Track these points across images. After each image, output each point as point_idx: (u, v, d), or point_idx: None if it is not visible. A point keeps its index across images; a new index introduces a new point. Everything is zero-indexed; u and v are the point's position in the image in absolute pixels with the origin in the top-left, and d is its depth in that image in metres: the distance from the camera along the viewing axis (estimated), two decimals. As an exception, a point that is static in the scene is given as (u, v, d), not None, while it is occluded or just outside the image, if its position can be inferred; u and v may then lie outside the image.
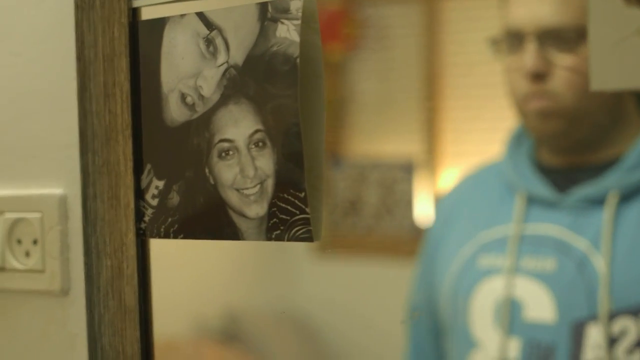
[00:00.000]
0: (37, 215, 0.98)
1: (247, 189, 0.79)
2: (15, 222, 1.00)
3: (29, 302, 1.01)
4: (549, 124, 1.35)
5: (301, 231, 0.77)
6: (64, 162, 0.97)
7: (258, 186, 0.78)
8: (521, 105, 1.36)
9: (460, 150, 3.87)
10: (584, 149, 1.38)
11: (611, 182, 1.32)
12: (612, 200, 1.31)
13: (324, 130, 0.78)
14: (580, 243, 1.32)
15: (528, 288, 1.35)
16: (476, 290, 1.40)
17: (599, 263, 1.30)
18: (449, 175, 3.86)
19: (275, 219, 0.78)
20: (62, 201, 0.97)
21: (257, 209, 0.79)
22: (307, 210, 0.76)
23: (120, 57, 0.86)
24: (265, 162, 0.78)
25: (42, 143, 0.97)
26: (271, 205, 0.78)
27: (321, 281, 4.24)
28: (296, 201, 0.77)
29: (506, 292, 1.35)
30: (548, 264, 1.34)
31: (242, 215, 0.80)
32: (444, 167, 3.88)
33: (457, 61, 3.86)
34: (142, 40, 0.85)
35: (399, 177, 3.93)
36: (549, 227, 1.35)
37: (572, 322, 1.30)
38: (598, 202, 1.33)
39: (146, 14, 0.86)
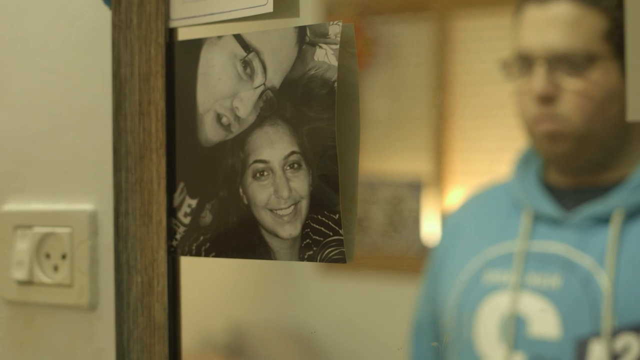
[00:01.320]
0: (66, 230, 0.99)
1: (280, 209, 0.80)
2: (45, 237, 1.01)
3: (56, 316, 1.02)
4: (557, 146, 1.37)
5: (334, 252, 0.78)
6: (96, 178, 0.98)
7: (292, 207, 0.79)
8: (530, 127, 1.39)
9: (468, 169, 3.88)
10: (591, 170, 1.40)
11: (616, 201, 1.35)
12: (617, 219, 1.34)
13: (359, 153, 0.79)
14: (585, 261, 1.34)
15: (533, 304, 1.37)
16: (482, 306, 1.42)
17: (603, 280, 1.32)
18: (457, 194, 3.87)
19: (308, 240, 0.79)
20: (93, 217, 0.98)
21: (291, 230, 0.79)
22: (341, 232, 0.77)
23: (157, 76, 0.87)
24: (300, 184, 0.78)
25: (74, 159, 0.98)
26: (304, 226, 0.78)
27: (327, 297, 4.24)
28: (330, 223, 0.77)
29: (511, 307, 1.37)
30: (553, 280, 1.36)
31: (275, 235, 0.81)
32: (452, 186, 3.89)
33: (468, 81, 3.88)
34: (179, 61, 0.87)
35: (407, 195, 3.94)
36: (554, 244, 1.38)
37: (576, 339, 1.32)
38: (603, 220, 1.35)
39: (183, 35, 0.87)
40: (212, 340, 3.77)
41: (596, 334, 1.31)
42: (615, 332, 1.30)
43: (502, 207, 1.49)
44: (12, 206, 1.03)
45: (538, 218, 1.41)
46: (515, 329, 1.37)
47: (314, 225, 0.78)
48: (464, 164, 3.88)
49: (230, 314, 3.85)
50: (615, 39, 1.32)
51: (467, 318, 1.43)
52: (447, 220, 1.62)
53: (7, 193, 1.03)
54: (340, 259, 0.77)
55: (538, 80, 1.34)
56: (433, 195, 3.92)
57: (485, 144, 3.81)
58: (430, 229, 3.88)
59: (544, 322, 1.36)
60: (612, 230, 1.34)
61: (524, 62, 1.38)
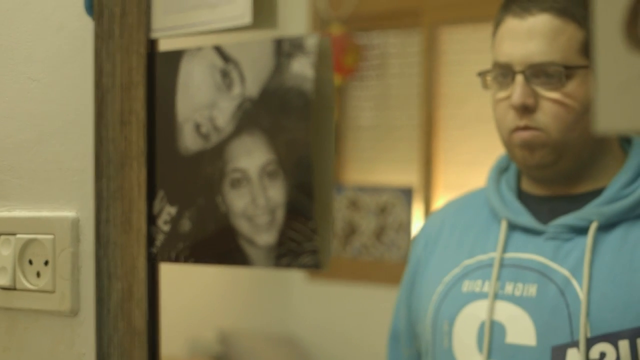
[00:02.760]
0: (49, 236, 1.01)
1: (257, 217, 0.82)
2: (27, 243, 1.02)
3: (38, 322, 1.03)
4: (533, 156, 1.39)
5: (308, 259, 0.79)
6: (78, 186, 0.99)
7: (268, 215, 0.81)
8: (508, 136, 1.40)
9: (454, 180, 3.90)
10: (567, 181, 1.42)
11: (591, 214, 1.37)
12: (591, 231, 1.35)
13: (333, 162, 0.81)
14: (560, 271, 1.36)
15: (510, 314, 1.39)
16: (460, 315, 1.43)
17: (578, 291, 1.34)
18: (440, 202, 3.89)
19: (284, 247, 0.80)
20: (75, 224, 1.00)
21: (267, 237, 0.81)
22: (316, 239, 0.78)
23: (138, 86, 0.88)
24: (277, 192, 0.80)
25: (57, 167, 1.00)
26: (281, 233, 0.80)
27: (314, 304, 4.25)
28: (305, 230, 0.79)
29: (488, 317, 1.39)
30: (530, 290, 1.38)
31: (252, 242, 0.82)
32: (439, 195, 3.91)
33: (453, 93, 3.91)
34: (159, 71, 0.88)
35: (395, 203, 3.96)
36: (531, 255, 1.40)
37: (552, 347, 1.33)
38: (578, 232, 1.37)
39: (164, 46, 0.89)
40: (197, 346, 3.78)
41: (572, 343, 1.33)
42: (591, 342, 1.31)
43: (480, 215, 1.50)
44: (-5, 213, 1.05)
45: (514, 229, 1.43)
46: (492, 338, 1.39)
47: (290, 232, 0.80)
48: (449, 174, 3.90)
49: (215, 321, 3.86)
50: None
51: (447, 328, 1.44)
52: (423, 228, 1.63)
53: (-10, 200, 1.05)
54: (315, 265, 0.79)
55: (516, 90, 1.36)
56: (421, 204, 3.93)
57: (471, 156, 3.83)
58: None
59: (521, 331, 1.37)
60: (586, 243, 1.36)
61: (503, 72, 1.39)
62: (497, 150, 1.57)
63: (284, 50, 0.79)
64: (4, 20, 1.02)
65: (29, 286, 1.02)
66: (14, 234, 1.03)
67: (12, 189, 1.03)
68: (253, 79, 0.81)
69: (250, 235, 0.82)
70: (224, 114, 0.83)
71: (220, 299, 3.96)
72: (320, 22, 4.08)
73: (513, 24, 1.38)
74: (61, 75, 0.98)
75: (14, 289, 1.03)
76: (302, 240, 0.79)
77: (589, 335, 1.31)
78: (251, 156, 0.82)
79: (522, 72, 1.36)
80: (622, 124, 0.59)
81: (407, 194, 3.93)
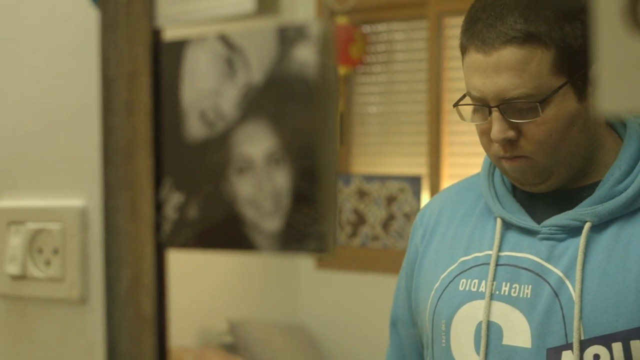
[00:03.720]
0: (58, 225, 1.02)
1: (263, 203, 0.83)
2: (37, 232, 1.03)
3: (48, 310, 1.04)
4: (526, 177, 1.39)
5: (314, 244, 0.80)
6: (85, 175, 1.00)
7: (274, 201, 0.82)
8: (497, 162, 1.40)
9: (460, 168, 3.90)
10: (559, 184, 1.42)
11: (584, 214, 1.36)
12: (584, 232, 1.35)
13: (337, 148, 0.81)
14: (554, 272, 1.36)
15: (506, 315, 1.39)
16: (458, 315, 1.44)
17: (572, 292, 1.33)
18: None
19: (289, 233, 0.81)
20: (83, 213, 1.01)
21: (273, 223, 0.82)
22: (321, 224, 0.79)
23: (144, 75, 0.89)
24: (282, 179, 0.81)
25: (64, 156, 1.01)
26: (286, 219, 0.81)
27: (323, 294, 4.26)
28: (310, 216, 0.80)
29: (484, 318, 1.39)
30: (525, 291, 1.38)
31: (258, 228, 0.83)
32: (446, 183, 3.91)
33: (458, 81, 3.91)
34: (165, 60, 0.89)
35: (403, 192, 3.96)
36: (526, 254, 1.40)
37: (547, 350, 1.34)
38: (572, 232, 1.37)
39: (169, 35, 0.89)
40: (207, 336, 3.80)
41: (567, 345, 1.33)
42: (585, 344, 1.31)
43: (476, 210, 1.50)
44: (5, 203, 1.06)
45: (509, 227, 1.43)
46: (489, 339, 1.39)
47: (295, 218, 0.81)
48: (455, 166, 3.90)
49: (225, 311, 3.88)
50: (564, 64, 1.31)
51: (444, 327, 1.45)
52: (421, 216, 1.63)
53: (0, 190, 1.06)
54: (321, 250, 0.80)
55: (495, 126, 1.34)
56: (428, 193, 3.94)
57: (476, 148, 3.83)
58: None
59: (517, 332, 1.37)
60: (579, 243, 1.35)
61: (479, 104, 1.38)
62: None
63: (288, 37, 0.80)
64: (10, 12, 1.03)
65: (38, 274, 1.03)
66: (23, 223, 1.04)
67: (21, 178, 1.04)
68: (258, 66, 0.82)
69: (256, 221, 0.83)
70: (229, 101, 0.84)
71: (230, 290, 3.97)
72: (326, 13, 4.09)
73: (478, 59, 1.34)
74: (67, 66, 0.99)
75: (24, 277, 1.05)
76: (307, 225, 0.80)
77: (582, 337, 1.31)
78: (256, 143, 0.83)
79: (497, 107, 1.34)
80: (623, 106, 0.60)
81: (415, 183, 3.94)
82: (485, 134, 1.38)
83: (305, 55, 0.78)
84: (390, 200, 4.00)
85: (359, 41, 3.97)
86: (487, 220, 1.47)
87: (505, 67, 1.31)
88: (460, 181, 1.63)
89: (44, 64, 0.99)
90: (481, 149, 4.21)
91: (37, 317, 1.03)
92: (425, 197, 3.95)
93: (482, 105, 1.36)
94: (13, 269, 1.04)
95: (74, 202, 0.99)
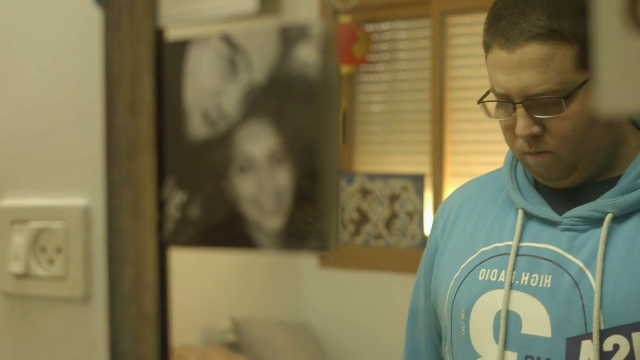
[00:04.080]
0: (61, 224, 1.02)
1: (265, 202, 0.83)
2: (40, 231, 1.04)
3: (51, 308, 1.05)
4: (550, 172, 1.41)
5: (315, 242, 0.81)
6: (88, 174, 1.01)
7: (276, 200, 0.82)
8: (521, 158, 1.42)
9: (463, 166, 3.90)
10: (583, 179, 1.42)
11: (606, 205, 1.37)
12: (605, 222, 1.36)
13: (339, 147, 0.82)
14: (575, 262, 1.37)
15: (525, 304, 1.40)
16: (477, 305, 1.45)
17: (592, 282, 1.35)
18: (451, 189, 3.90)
19: (291, 231, 0.82)
20: (86, 212, 1.01)
21: (274, 222, 0.83)
22: (322, 222, 0.80)
23: (146, 75, 0.90)
24: (283, 178, 0.82)
25: (67, 156, 1.01)
26: (287, 218, 0.82)
27: (326, 292, 4.27)
28: (311, 214, 0.81)
29: (504, 307, 1.40)
30: (545, 281, 1.39)
31: (260, 227, 0.84)
32: (449, 183, 3.92)
33: (462, 79, 3.91)
34: (168, 60, 0.90)
35: (406, 190, 3.97)
36: (546, 245, 1.41)
37: (567, 339, 1.34)
38: (593, 223, 1.38)
39: (172, 35, 0.90)
40: (211, 335, 3.80)
41: (586, 335, 1.34)
42: (604, 334, 1.32)
43: (497, 201, 1.52)
44: (9, 202, 1.07)
45: (530, 218, 1.44)
46: (508, 328, 1.40)
47: (297, 217, 0.81)
48: (458, 165, 3.91)
49: (228, 310, 3.88)
50: (588, 59, 1.33)
51: (464, 316, 1.46)
52: (442, 209, 1.64)
53: (4, 189, 1.07)
54: (322, 248, 0.80)
55: (519, 122, 1.36)
56: (431, 192, 3.94)
57: (480, 146, 3.83)
58: (427, 225, 3.91)
59: (536, 322, 1.38)
60: (600, 233, 1.37)
61: (503, 101, 1.39)
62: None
63: (290, 37, 0.81)
64: (14, 13, 1.04)
65: (42, 273, 1.04)
66: (27, 222, 1.05)
67: (24, 178, 1.05)
68: (260, 66, 0.83)
69: (258, 219, 0.84)
70: (232, 101, 0.85)
71: (233, 288, 3.98)
72: (329, 12, 4.09)
73: (501, 56, 1.36)
74: (70, 66, 1.00)
75: (28, 276, 1.05)
76: (308, 224, 0.80)
77: (602, 327, 1.33)
78: (258, 142, 0.83)
79: (522, 103, 1.35)
80: (622, 105, 0.60)
81: (418, 181, 3.94)
82: (509, 130, 1.40)
83: (307, 54, 0.79)
84: (393, 198, 4.01)
85: (362, 40, 3.97)
86: (508, 212, 1.48)
87: (529, 64, 1.33)
88: (482, 175, 1.64)
89: (47, 64, 1.00)
90: (484, 148, 4.21)
91: (40, 315, 1.03)
92: (428, 196, 3.96)
93: (507, 102, 1.37)
94: (16, 267, 1.05)
95: (77, 201, 0.99)
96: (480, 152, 3.82)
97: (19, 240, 1.05)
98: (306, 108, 0.80)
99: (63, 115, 1.00)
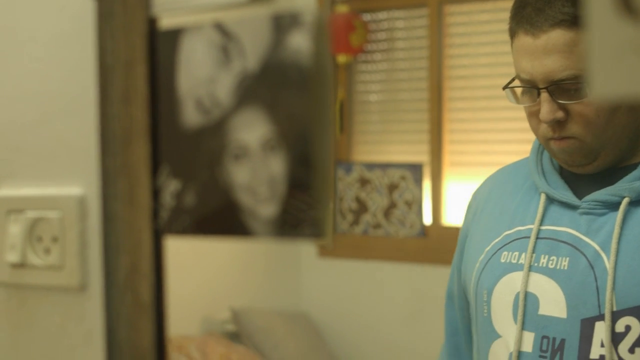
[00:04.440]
0: (57, 214, 1.03)
1: (259, 190, 0.83)
2: (36, 221, 1.04)
3: (48, 297, 1.05)
4: (573, 158, 1.43)
5: (309, 229, 0.81)
6: (83, 163, 1.01)
7: (270, 187, 0.83)
8: (545, 144, 1.44)
9: (460, 159, 3.90)
10: (606, 165, 1.44)
11: (623, 189, 1.39)
12: (622, 206, 1.38)
13: (331, 134, 0.82)
14: (591, 244, 1.40)
15: (543, 286, 1.42)
16: (498, 286, 1.48)
17: (607, 264, 1.37)
18: (451, 182, 3.90)
19: (285, 219, 0.82)
20: (82, 201, 1.01)
21: (269, 209, 0.83)
22: (316, 210, 0.80)
23: (140, 64, 0.90)
24: (277, 165, 0.82)
25: (61, 145, 1.01)
26: (282, 206, 0.82)
27: (324, 282, 4.27)
28: (305, 201, 0.81)
29: (523, 288, 1.43)
30: (562, 263, 1.41)
31: (254, 215, 0.84)
32: (447, 172, 3.92)
33: (459, 68, 3.90)
34: (161, 48, 0.90)
35: (405, 180, 3.97)
36: (565, 228, 1.43)
37: (581, 320, 1.37)
38: (611, 206, 1.40)
39: (165, 24, 0.90)
40: (210, 325, 3.81)
41: (600, 316, 1.36)
42: (617, 315, 1.34)
43: (523, 187, 1.54)
44: (4, 191, 1.07)
45: (552, 202, 1.46)
46: (526, 309, 1.43)
47: (291, 204, 0.81)
48: (456, 154, 3.91)
49: (227, 300, 3.89)
50: None
51: (486, 297, 1.49)
52: (473, 194, 1.67)
53: (-1, 179, 1.07)
54: (317, 236, 0.80)
55: (544, 107, 1.39)
56: (429, 181, 3.94)
57: (477, 135, 3.83)
58: (428, 213, 3.91)
59: (553, 303, 1.41)
60: (617, 217, 1.39)
61: (527, 87, 1.41)
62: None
63: (283, 25, 0.81)
64: (6, 2, 1.04)
65: (38, 262, 1.04)
66: (22, 212, 1.05)
67: (19, 167, 1.05)
68: (253, 54, 0.83)
69: (252, 207, 0.84)
70: (225, 89, 0.85)
71: (233, 278, 3.98)
72: (327, 1, 4.08)
73: (527, 42, 1.39)
74: (64, 55, 1.00)
75: (24, 265, 1.05)
76: (302, 211, 0.81)
77: (615, 308, 1.35)
78: (252, 130, 0.83)
79: (546, 88, 1.37)
80: (615, 91, 0.60)
81: (416, 170, 3.94)
82: (534, 116, 1.42)
83: (300, 42, 0.79)
84: (392, 188, 4.01)
85: (359, 29, 3.97)
86: (533, 196, 1.50)
87: (553, 49, 1.35)
88: (512, 163, 1.67)
89: (40, 54, 1.00)
90: (482, 137, 4.19)
91: (36, 304, 1.04)
92: (426, 185, 3.96)
93: (531, 87, 1.39)
94: (13, 257, 1.05)
95: (73, 190, 1.00)
96: (478, 140, 3.82)
97: (15, 229, 1.06)
98: (299, 95, 0.80)
99: (57, 105, 1.00)
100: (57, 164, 1.02)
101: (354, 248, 4.08)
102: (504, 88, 1.45)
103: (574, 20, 1.34)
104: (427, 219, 3.93)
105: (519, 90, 1.44)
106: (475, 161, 3.83)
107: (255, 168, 0.83)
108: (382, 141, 4.15)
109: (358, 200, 4.08)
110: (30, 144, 1.03)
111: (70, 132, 1.00)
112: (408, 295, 3.94)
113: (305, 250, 4.23)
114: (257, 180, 0.83)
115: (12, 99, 1.04)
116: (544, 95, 1.37)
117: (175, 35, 0.87)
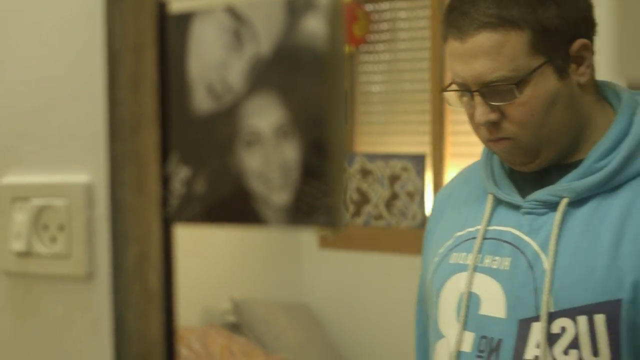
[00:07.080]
0: (63, 201, 1.01)
1: (272, 177, 0.82)
2: (42, 209, 1.03)
3: (54, 286, 1.03)
4: (514, 158, 1.43)
5: (323, 217, 0.79)
6: (91, 150, 0.99)
7: (283, 174, 0.81)
8: (486, 144, 1.44)
9: (462, 150, 3.89)
10: (549, 162, 1.43)
11: (562, 189, 1.39)
12: (561, 207, 1.37)
13: (345, 120, 0.81)
14: (532, 245, 1.40)
15: (485, 286, 1.43)
16: (445, 287, 1.49)
17: (545, 265, 1.37)
18: (453, 173, 3.88)
19: (298, 207, 0.80)
20: (89, 188, 1.00)
21: (282, 197, 0.81)
22: (330, 197, 0.78)
23: (149, 48, 0.88)
24: (290, 152, 0.80)
25: (69, 131, 1.00)
26: (295, 193, 0.80)
27: (326, 273, 4.26)
28: (319, 189, 0.79)
29: (465, 289, 1.43)
30: (504, 264, 1.41)
31: (267, 202, 0.82)
32: (449, 163, 3.90)
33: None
34: (171, 32, 0.88)
35: (407, 171, 3.95)
36: (509, 228, 1.43)
37: (519, 320, 1.37)
38: (551, 206, 1.39)
39: (175, 7, 0.88)
40: (211, 315, 3.80)
41: (537, 317, 1.37)
42: (553, 316, 1.35)
43: (477, 189, 1.54)
44: (9, 179, 1.05)
45: (500, 203, 1.47)
46: (468, 309, 1.43)
47: (304, 192, 0.80)
48: (457, 145, 3.89)
49: (229, 290, 3.88)
50: (541, 44, 1.36)
51: (435, 299, 1.49)
52: (435, 198, 1.69)
53: (4, 166, 1.05)
54: (331, 224, 0.79)
55: (477, 110, 1.39)
56: (431, 173, 3.93)
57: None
58: (428, 205, 3.90)
59: (494, 303, 1.42)
60: (555, 217, 1.38)
61: (462, 90, 1.41)
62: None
63: (296, 8, 0.79)
64: (14, -15, 1.02)
65: (44, 251, 1.03)
66: (28, 200, 1.03)
67: (25, 154, 1.03)
68: (265, 38, 0.81)
69: (265, 195, 0.82)
70: (237, 74, 0.83)
71: (234, 269, 3.97)
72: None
73: (455, 46, 1.39)
74: (72, 40, 0.98)
75: (30, 254, 1.04)
76: (316, 199, 0.79)
77: (551, 309, 1.35)
78: (265, 116, 0.82)
79: (478, 91, 1.38)
80: None
81: (418, 161, 3.93)
82: (473, 118, 1.42)
83: (314, 25, 0.77)
84: (394, 179, 4.00)
85: (362, 20, 3.95)
86: (484, 198, 1.50)
87: (480, 52, 1.35)
88: (474, 162, 1.66)
89: (48, 38, 0.98)
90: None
91: (42, 293, 1.02)
92: (428, 176, 3.95)
93: (465, 91, 1.39)
94: (18, 245, 1.03)
95: (80, 177, 0.98)
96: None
97: (21, 218, 1.04)
98: (313, 80, 0.78)
99: (64, 90, 0.98)
100: (63, 151, 1.00)
101: (356, 239, 4.07)
102: (442, 92, 1.46)
103: (498, 22, 1.34)
104: (429, 210, 3.92)
105: (457, 94, 1.44)
106: (477, 152, 3.80)
107: (268, 155, 0.81)
108: (384, 132, 4.13)
109: (360, 191, 4.06)
110: (37, 130, 1.02)
111: (78, 118, 0.98)
112: (409, 286, 3.93)
113: (306, 241, 4.22)
114: (269, 167, 0.81)
115: (18, 84, 1.02)
116: (477, 98, 1.38)
117: (185, 19, 0.86)
